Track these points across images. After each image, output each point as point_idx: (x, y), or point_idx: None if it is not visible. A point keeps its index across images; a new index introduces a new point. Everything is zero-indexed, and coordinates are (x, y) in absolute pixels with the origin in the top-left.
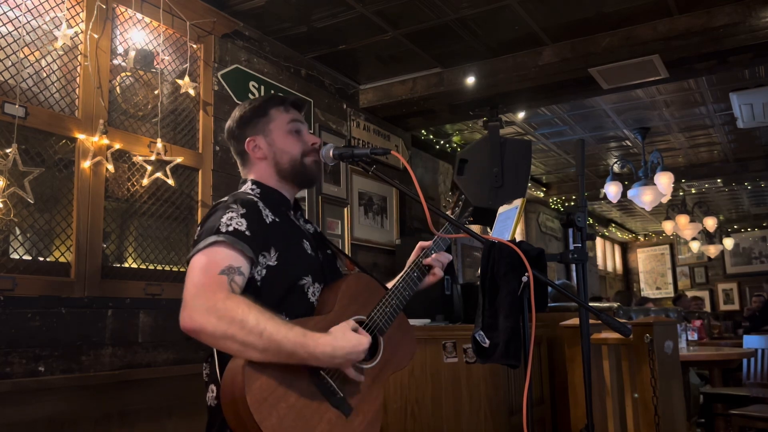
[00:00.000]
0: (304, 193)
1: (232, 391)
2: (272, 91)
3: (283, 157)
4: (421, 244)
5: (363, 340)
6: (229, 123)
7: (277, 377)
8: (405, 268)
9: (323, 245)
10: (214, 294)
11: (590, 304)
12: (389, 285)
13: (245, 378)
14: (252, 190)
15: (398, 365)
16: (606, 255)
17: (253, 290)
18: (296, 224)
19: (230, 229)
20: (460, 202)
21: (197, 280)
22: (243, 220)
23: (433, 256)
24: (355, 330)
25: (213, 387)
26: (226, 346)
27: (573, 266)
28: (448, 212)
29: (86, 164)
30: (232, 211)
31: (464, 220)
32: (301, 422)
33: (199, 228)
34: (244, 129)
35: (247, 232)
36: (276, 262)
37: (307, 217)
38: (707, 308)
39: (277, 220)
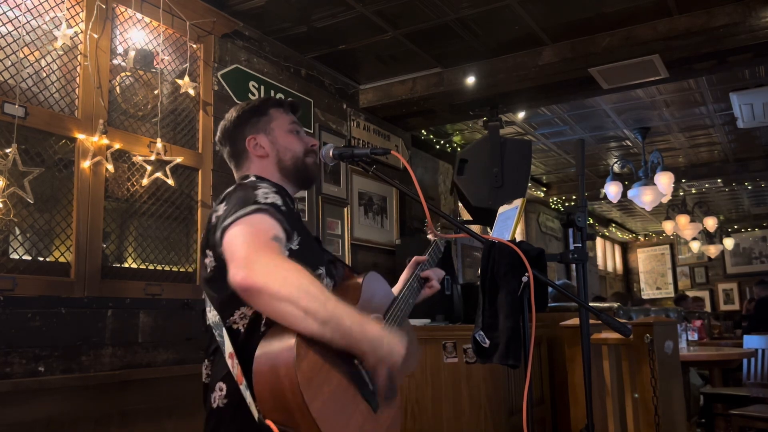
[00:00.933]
0: (304, 193)
1: (274, 370)
2: (272, 91)
3: (287, 154)
4: (416, 258)
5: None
6: (223, 123)
7: (321, 358)
8: (403, 280)
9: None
10: (277, 255)
11: (592, 304)
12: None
13: (297, 353)
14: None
15: (408, 369)
16: (606, 255)
17: None
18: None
19: (268, 201)
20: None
21: (250, 240)
22: (278, 196)
23: (429, 271)
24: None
25: (222, 385)
26: (283, 310)
27: (573, 266)
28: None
29: (86, 164)
30: (264, 188)
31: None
32: (340, 408)
33: (224, 205)
34: (242, 128)
35: (283, 207)
36: (298, 247)
37: (305, 219)
38: (707, 308)
39: (293, 208)
